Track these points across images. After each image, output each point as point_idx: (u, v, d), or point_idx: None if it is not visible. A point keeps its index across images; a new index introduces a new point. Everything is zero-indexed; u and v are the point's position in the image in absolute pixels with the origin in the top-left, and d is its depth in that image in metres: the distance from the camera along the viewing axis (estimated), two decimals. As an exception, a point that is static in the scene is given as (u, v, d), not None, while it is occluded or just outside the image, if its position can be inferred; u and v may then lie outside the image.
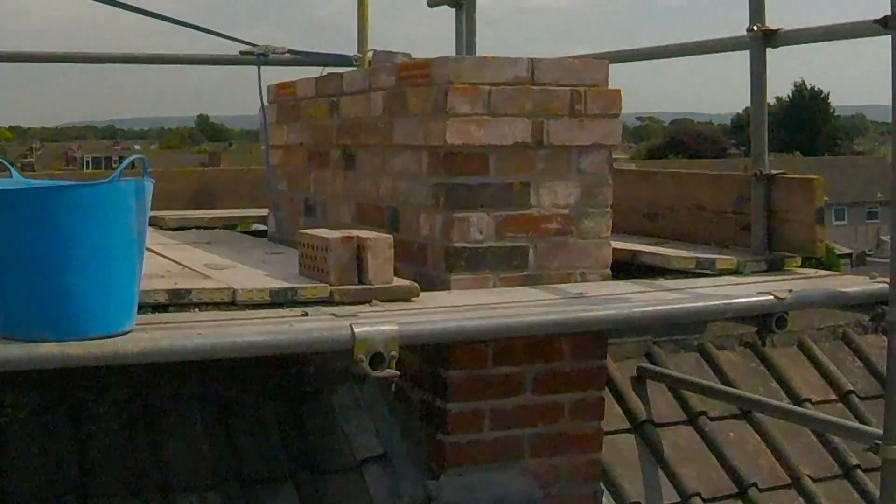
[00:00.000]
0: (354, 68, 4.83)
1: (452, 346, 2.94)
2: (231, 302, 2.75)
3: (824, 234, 3.41)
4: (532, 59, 3.08)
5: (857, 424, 3.65)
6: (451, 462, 3.02)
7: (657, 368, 3.94)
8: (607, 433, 3.39)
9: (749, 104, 3.62)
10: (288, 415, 3.20)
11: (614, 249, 3.24)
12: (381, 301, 2.81)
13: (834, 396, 4.09)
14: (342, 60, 5.08)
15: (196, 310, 2.70)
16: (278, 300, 2.78)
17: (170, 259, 3.38)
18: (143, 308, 2.54)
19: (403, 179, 3.24)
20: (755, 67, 3.54)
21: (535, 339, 3.02)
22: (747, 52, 3.55)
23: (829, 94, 78.16)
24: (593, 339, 3.16)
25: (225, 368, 3.16)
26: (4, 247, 2.23)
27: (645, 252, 3.52)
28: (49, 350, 2.22)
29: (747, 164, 3.66)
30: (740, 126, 64.12)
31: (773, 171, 3.53)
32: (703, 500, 3.57)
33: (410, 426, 3.16)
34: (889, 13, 2.88)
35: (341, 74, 3.69)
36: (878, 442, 2.96)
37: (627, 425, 3.74)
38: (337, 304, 2.77)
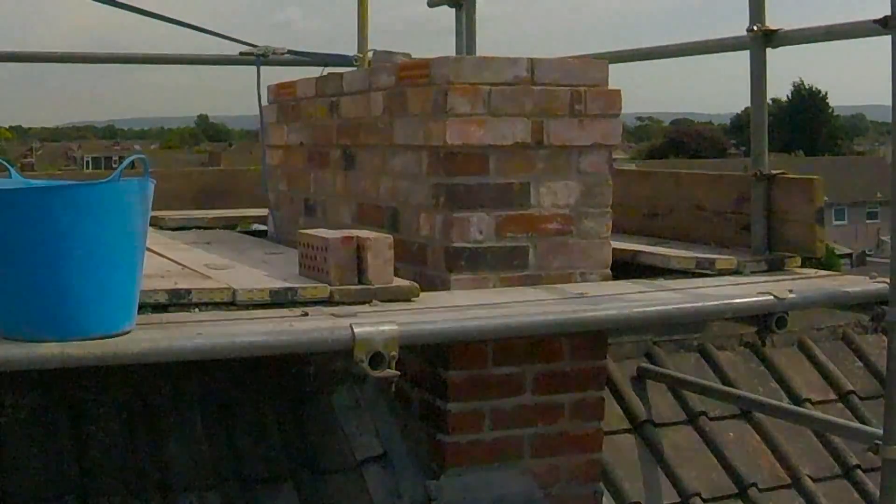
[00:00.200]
0: (354, 68, 4.83)
1: (452, 346, 2.94)
2: (231, 302, 2.75)
3: (824, 234, 3.41)
4: (532, 59, 3.08)
5: (857, 424, 3.65)
6: (451, 462, 3.02)
7: (657, 368, 3.94)
8: (607, 433, 3.39)
9: (749, 104, 3.62)
10: (288, 415, 3.20)
11: (614, 249, 3.24)
12: (381, 301, 2.81)
13: (834, 396, 4.09)
14: (342, 60, 5.09)
15: (196, 310, 2.70)
16: (278, 300, 2.78)
17: (170, 259, 3.38)
18: (143, 308, 2.54)
19: (403, 179, 3.24)
20: (755, 67, 3.54)
21: (535, 339, 3.02)
22: (747, 52, 3.55)
23: (828, 94, 78.23)
24: (593, 339, 3.16)
25: (225, 368, 3.16)
26: (4, 246, 2.23)
27: (645, 252, 3.52)
28: (49, 350, 2.22)
29: (747, 164, 3.66)
30: (740, 126, 64.14)
31: (773, 171, 3.53)
32: (703, 500, 3.57)
33: (410, 426, 3.16)
34: (889, 13, 2.88)
35: (341, 74, 3.69)
36: (878, 442, 2.96)
37: (627, 425, 3.74)
38: (337, 304, 2.77)
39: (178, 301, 2.70)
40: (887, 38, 2.87)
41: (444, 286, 3.02)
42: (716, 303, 2.97)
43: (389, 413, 3.20)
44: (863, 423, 3.82)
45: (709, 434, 3.77)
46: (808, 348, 4.26)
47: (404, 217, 3.24)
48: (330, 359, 3.10)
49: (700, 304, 2.96)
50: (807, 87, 76.87)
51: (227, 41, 4.80)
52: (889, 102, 2.87)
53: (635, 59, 4.28)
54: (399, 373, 2.49)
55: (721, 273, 3.33)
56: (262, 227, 4.56)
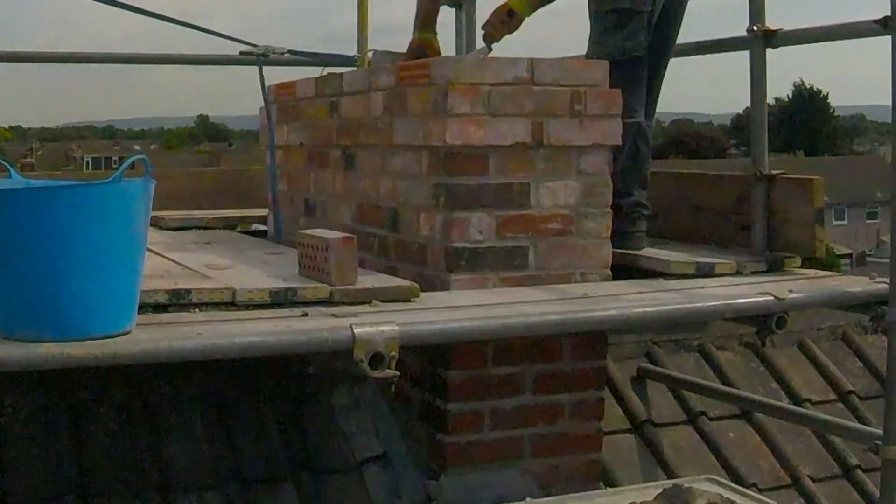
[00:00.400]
0: (354, 68, 4.83)
1: (452, 347, 2.94)
2: (231, 302, 2.75)
3: (824, 235, 3.41)
4: (532, 60, 3.08)
5: (857, 424, 3.65)
6: (451, 462, 3.02)
7: (657, 368, 3.94)
8: (607, 433, 3.39)
9: (749, 104, 3.62)
10: (288, 415, 3.20)
11: (614, 253, 3.24)
12: (381, 301, 2.81)
13: (834, 396, 4.10)
14: (342, 60, 5.09)
15: (196, 310, 2.70)
16: (278, 300, 2.78)
17: (170, 259, 3.38)
18: (143, 308, 2.54)
19: (403, 179, 3.24)
20: (755, 67, 3.54)
21: (535, 339, 3.02)
22: (747, 52, 3.55)
23: (828, 94, 78.20)
24: (593, 339, 3.16)
25: (225, 368, 3.17)
26: (4, 246, 2.23)
27: (644, 257, 3.52)
28: (49, 350, 2.22)
29: (747, 165, 3.66)
30: (740, 126, 64.12)
31: (773, 172, 3.53)
32: (703, 500, 3.57)
33: (410, 426, 3.16)
34: (889, 13, 2.88)
35: (341, 74, 3.69)
36: (878, 442, 2.96)
37: (627, 425, 3.74)
38: (337, 304, 2.77)
39: (178, 301, 2.70)
40: (887, 38, 2.87)
41: (444, 286, 3.02)
42: (716, 303, 2.97)
43: (389, 413, 3.21)
44: (863, 423, 3.82)
45: (709, 434, 3.77)
46: (808, 348, 4.27)
47: (404, 217, 3.24)
48: (330, 359, 3.10)
49: (700, 305, 2.97)
50: (807, 87, 76.88)
51: (225, 41, 4.79)
52: (889, 102, 2.87)
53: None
54: (399, 373, 2.49)
55: (721, 273, 3.33)
56: (262, 227, 4.55)
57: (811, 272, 3.42)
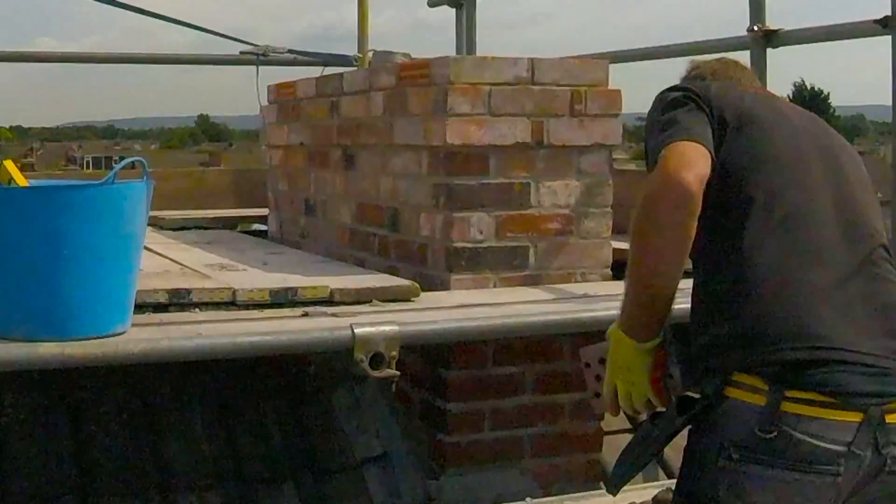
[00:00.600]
0: (354, 68, 4.83)
1: (452, 346, 2.94)
2: (231, 302, 2.75)
3: (824, 235, 3.40)
4: (532, 60, 3.08)
5: (857, 424, 3.64)
6: (451, 462, 3.02)
7: (657, 368, 3.93)
8: (607, 433, 3.39)
9: (749, 104, 3.61)
10: (288, 415, 3.20)
11: (614, 250, 3.24)
12: (381, 301, 2.81)
13: (834, 396, 4.09)
14: (342, 60, 5.09)
15: (196, 310, 2.70)
16: (278, 300, 2.78)
17: (170, 259, 3.38)
18: (143, 308, 2.54)
19: (403, 179, 3.24)
20: (756, 67, 3.55)
21: (535, 339, 3.02)
22: (747, 52, 3.55)
23: (829, 94, 78.18)
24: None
25: (225, 368, 3.16)
26: (-1, 246, 2.23)
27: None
28: (49, 350, 2.22)
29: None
30: (740, 126, 64.03)
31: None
32: (704, 500, 3.56)
33: (410, 426, 3.16)
34: (889, 13, 2.88)
35: (341, 74, 3.69)
36: (879, 442, 2.95)
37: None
38: (337, 304, 2.77)
39: (178, 301, 2.71)
40: (887, 38, 2.87)
41: (444, 286, 3.02)
42: (716, 303, 2.96)
43: (389, 413, 3.20)
44: (863, 423, 3.82)
45: (709, 434, 3.77)
46: (809, 348, 4.26)
47: (404, 217, 3.24)
48: (330, 359, 3.10)
49: (700, 304, 2.96)
50: (807, 87, 76.90)
51: (228, 41, 4.80)
52: (889, 102, 2.88)
53: (635, 59, 4.28)
54: (399, 373, 2.49)
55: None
56: (262, 227, 4.56)
57: (811, 272, 3.41)
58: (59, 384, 3.04)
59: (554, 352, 3.09)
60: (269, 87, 4.28)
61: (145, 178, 2.34)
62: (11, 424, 2.98)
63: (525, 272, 3.09)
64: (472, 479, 3.03)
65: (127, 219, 2.30)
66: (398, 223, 3.27)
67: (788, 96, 74.24)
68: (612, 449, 3.55)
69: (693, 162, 1.79)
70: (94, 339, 2.26)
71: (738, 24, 3.59)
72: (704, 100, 1.91)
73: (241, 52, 4.86)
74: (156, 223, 4.34)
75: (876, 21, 2.95)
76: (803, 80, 76.90)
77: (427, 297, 2.89)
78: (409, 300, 2.85)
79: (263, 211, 4.44)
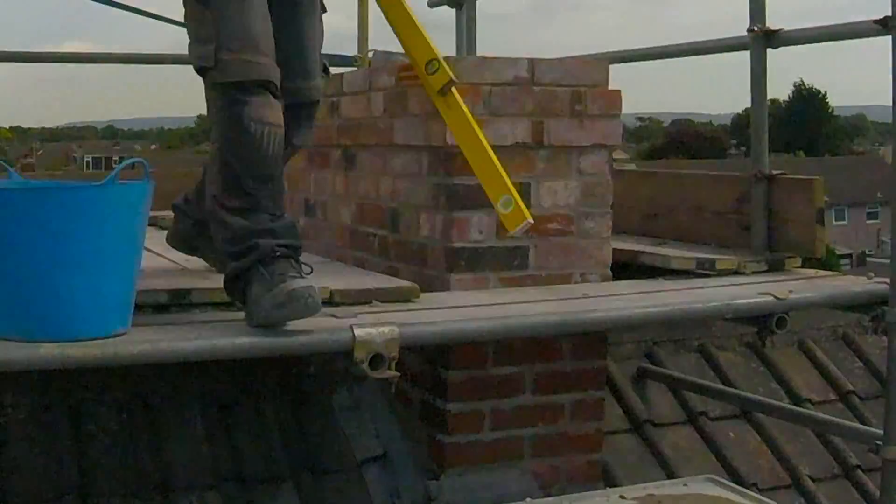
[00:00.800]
0: (354, 68, 4.83)
1: (452, 347, 2.94)
2: (231, 302, 2.75)
3: (824, 235, 3.41)
4: (532, 60, 3.08)
5: (857, 425, 3.65)
6: (451, 462, 3.02)
7: (657, 368, 3.93)
8: (607, 433, 3.39)
9: (749, 104, 3.62)
10: (288, 415, 3.20)
11: (614, 249, 3.24)
12: (381, 302, 2.81)
13: (834, 396, 4.09)
14: (342, 60, 5.09)
15: (196, 310, 2.69)
16: (278, 300, 2.77)
17: (170, 259, 3.37)
18: (143, 308, 2.53)
19: (403, 179, 3.24)
20: (755, 67, 3.54)
21: (535, 339, 3.02)
22: (747, 52, 3.55)
23: (828, 94, 78.20)
24: (593, 339, 3.16)
25: (225, 369, 3.16)
26: (-2, 246, 2.23)
27: (645, 252, 3.52)
28: (49, 351, 2.21)
29: (747, 165, 3.66)
30: (740, 126, 64.10)
31: (774, 172, 3.53)
32: (704, 500, 3.57)
33: (410, 426, 3.16)
34: (889, 13, 2.88)
35: (341, 74, 3.69)
36: (879, 442, 2.96)
37: (627, 425, 3.73)
38: (337, 304, 2.77)
39: (178, 301, 2.70)
40: (887, 38, 2.87)
41: (444, 286, 3.02)
42: (716, 303, 2.97)
43: (389, 413, 3.20)
44: (863, 423, 3.82)
45: (709, 434, 3.77)
46: (808, 348, 4.26)
47: (404, 217, 3.24)
48: (330, 359, 3.11)
49: (700, 304, 2.97)
50: (807, 87, 76.86)
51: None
52: (889, 102, 2.87)
53: (635, 60, 4.28)
54: (399, 374, 2.49)
55: (721, 273, 3.33)
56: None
57: (811, 272, 3.42)
58: (59, 384, 3.04)
59: (554, 352, 3.09)
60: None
61: (146, 178, 2.35)
62: (11, 424, 2.98)
63: (525, 272, 3.09)
64: (472, 479, 3.03)
65: (127, 219, 2.30)
66: (398, 223, 3.27)
67: (788, 96, 73.88)
68: (613, 449, 3.56)
69: None
70: (95, 339, 2.26)
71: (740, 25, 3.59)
72: None
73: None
74: (156, 223, 4.34)
75: (876, 21, 2.95)
76: (803, 80, 76.90)
77: (427, 298, 2.89)
78: (409, 301, 2.85)
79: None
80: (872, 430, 3.18)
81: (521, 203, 2.79)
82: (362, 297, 2.82)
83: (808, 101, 75.61)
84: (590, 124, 3.12)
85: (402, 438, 3.14)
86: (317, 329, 2.49)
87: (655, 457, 3.65)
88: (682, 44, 4.02)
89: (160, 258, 3.39)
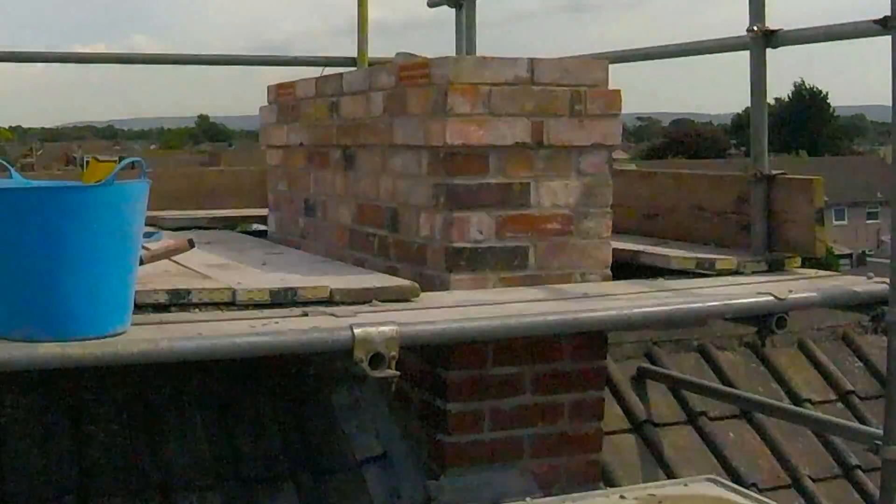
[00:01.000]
0: (354, 68, 4.83)
1: (452, 347, 2.94)
2: (231, 302, 2.75)
3: (824, 235, 3.41)
4: (532, 60, 3.08)
5: (857, 424, 3.65)
6: (451, 462, 3.02)
7: (657, 368, 3.94)
8: (607, 433, 3.39)
9: (749, 104, 3.62)
10: (288, 415, 3.21)
11: (614, 249, 3.24)
12: (381, 301, 2.81)
13: (834, 396, 4.10)
14: (342, 61, 5.09)
15: (196, 310, 2.70)
16: (278, 300, 2.78)
17: (170, 259, 3.38)
18: (143, 308, 2.54)
19: (403, 179, 3.24)
20: (755, 67, 3.54)
21: (535, 339, 3.02)
22: (747, 52, 3.55)
23: (828, 94, 78.20)
24: (593, 339, 3.16)
25: (225, 368, 3.17)
26: (-1, 246, 2.23)
27: (645, 252, 3.52)
28: (49, 350, 2.21)
29: (747, 165, 3.66)
30: (740, 126, 64.10)
31: (773, 172, 3.53)
32: (704, 500, 3.57)
33: (410, 426, 3.16)
34: (889, 13, 2.88)
35: (341, 74, 3.69)
36: (878, 442, 2.96)
37: (627, 425, 3.74)
38: (337, 304, 2.77)
39: (178, 301, 2.70)
40: (887, 38, 2.87)
41: (444, 286, 3.02)
42: (716, 303, 2.97)
43: (389, 413, 3.21)
44: (863, 423, 3.83)
45: (709, 434, 3.77)
46: (808, 348, 4.27)
47: (404, 217, 3.24)
48: (330, 359, 3.10)
49: (700, 304, 2.97)
50: (807, 87, 76.88)
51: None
52: (889, 102, 2.87)
53: (635, 59, 4.28)
54: (399, 373, 2.49)
55: (721, 273, 3.33)
56: (262, 227, 4.56)
57: (811, 272, 3.42)
58: (59, 384, 3.04)
59: (554, 352, 3.09)
60: (268, 87, 4.28)
61: (143, 177, 2.35)
62: (11, 424, 2.98)
63: (525, 272, 3.09)
64: (472, 479, 3.03)
65: (126, 219, 2.30)
66: (398, 223, 3.27)
67: (788, 96, 73.91)
68: (613, 449, 3.56)
69: None
70: (94, 339, 2.26)
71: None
72: None
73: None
74: (155, 223, 4.34)
75: (876, 21, 2.95)
76: (803, 80, 76.90)
77: (427, 297, 2.89)
78: (408, 300, 2.85)
79: (263, 211, 4.44)
80: (872, 430, 3.18)
81: None
82: (362, 297, 2.82)
83: (808, 101, 75.64)
84: (590, 124, 3.12)
85: (402, 438, 3.14)
86: (317, 329, 2.50)
87: (655, 457, 3.65)
88: (682, 44, 4.02)
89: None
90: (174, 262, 3.31)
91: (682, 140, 67.34)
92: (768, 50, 3.51)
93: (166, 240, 3.16)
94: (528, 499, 2.64)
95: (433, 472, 3.04)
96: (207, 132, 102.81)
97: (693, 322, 3.80)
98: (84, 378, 3.05)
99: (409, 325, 2.54)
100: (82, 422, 3.03)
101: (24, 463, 2.91)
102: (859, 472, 3.79)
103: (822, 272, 3.43)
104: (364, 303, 2.80)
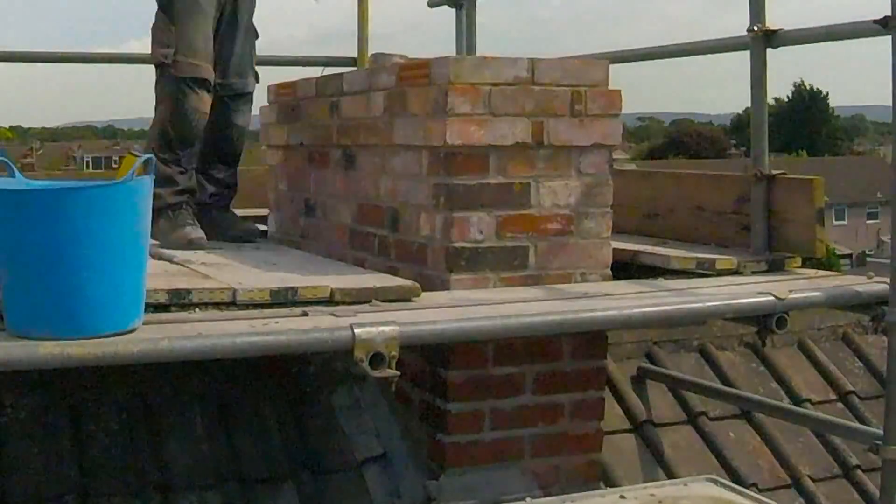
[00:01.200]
0: (354, 68, 4.83)
1: (452, 347, 2.94)
2: (231, 302, 2.75)
3: (824, 235, 3.41)
4: (532, 59, 3.08)
5: (857, 424, 3.65)
6: (451, 462, 3.02)
7: (657, 368, 3.94)
8: (607, 433, 3.39)
9: (749, 104, 3.62)
10: (288, 415, 3.20)
11: (614, 249, 3.24)
12: (381, 301, 2.81)
13: (834, 396, 4.10)
14: (342, 61, 5.09)
15: (196, 310, 2.70)
16: (278, 300, 2.78)
17: (170, 259, 3.38)
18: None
19: (403, 179, 3.24)
20: (755, 67, 3.54)
21: (535, 339, 3.02)
22: (747, 52, 3.55)
23: (828, 94, 78.20)
24: (593, 339, 3.16)
25: (225, 368, 3.17)
26: (20, 246, 2.25)
27: (645, 252, 3.52)
28: (49, 350, 2.22)
29: (747, 165, 3.66)
30: (740, 126, 64.10)
31: (774, 172, 3.53)
32: (703, 500, 3.57)
33: (410, 426, 3.16)
34: (889, 13, 2.88)
35: (341, 74, 3.69)
36: (878, 442, 2.96)
37: (627, 425, 3.74)
38: (337, 304, 2.77)
39: (178, 301, 2.71)
40: (887, 39, 2.87)
41: (444, 286, 3.02)
42: (716, 303, 2.97)
43: (389, 413, 3.21)
44: (863, 423, 3.83)
45: (709, 434, 3.77)
46: (808, 348, 4.27)
47: (404, 217, 3.24)
48: (330, 359, 3.11)
49: (700, 304, 2.96)
50: (807, 87, 76.87)
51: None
52: (889, 102, 2.87)
53: (635, 59, 4.28)
54: (399, 373, 2.49)
55: (721, 273, 3.33)
56: (263, 227, 4.56)
57: (811, 272, 3.42)
58: (59, 384, 3.04)
59: (554, 352, 3.09)
60: (268, 87, 4.28)
61: (151, 174, 2.38)
62: (11, 424, 2.98)
63: (525, 272, 3.09)
64: (472, 479, 3.03)
65: (139, 214, 2.34)
66: (398, 223, 3.27)
67: (788, 96, 73.86)
68: (613, 449, 3.56)
69: None
70: (115, 335, 2.28)
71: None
72: None
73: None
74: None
75: (876, 21, 2.95)
76: (803, 80, 76.90)
77: (427, 297, 2.89)
78: (409, 300, 2.85)
79: (263, 211, 4.44)
80: (872, 430, 3.18)
81: None
82: (362, 296, 2.82)
83: (808, 101, 75.64)
84: (590, 124, 3.12)
85: (402, 438, 3.14)
86: (317, 328, 2.50)
87: (655, 457, 3.66)
88: (682, 44, 4.02)
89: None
90: (174, 261, 3.31)
91: (682, 140, 67.34)
92: (768, 50, 3.51)
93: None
94: (528, 499, 2.64)
95: (433, 472, 3.04)
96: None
97: (693, 322, 3.81)
98: (84, 378, 3.05)
99: (409, 324, 2.54)
100: (82, 422, 3.03)
101: (25, 463, 2.91)
102: (859, 472, 3.79)
103: (822, 272, 3.43)
104: (364, 303, 2.80)
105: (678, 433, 3.77)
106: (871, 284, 3.18)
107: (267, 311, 2.70)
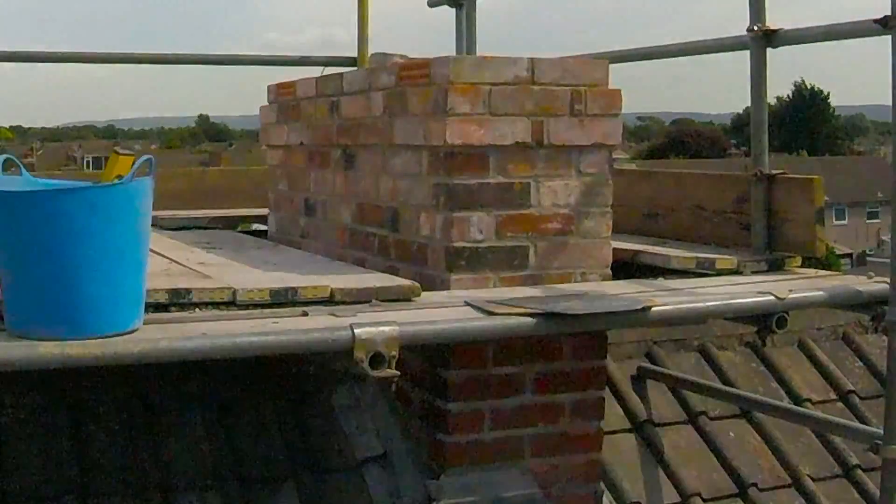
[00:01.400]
0: (354, 68, 4.83)
1: (452, 346, 2.94)
2: (231, 302, 2.75)
3: (824, 234, 3.41)
4: (532, 59, 3.08)
5: (857, 424, 3.65)
6: (452, 462, 3.02)
7: (657, 368, 3.94)
8: (607, 433, 3.39)
9: (749, 104, 3.62)
10: (288, 415, 3.20)
11: (614, 249, 3.24)
12: (381, 301, 2.81)
13: (834, 396, 4.10)
14: (342, 61, 5.09)
15: (196, 310, 2.70)
16: (278, 300, 2.78)
17: (170, 259, 3.38)
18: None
19: (403, 179, 3.24)
20: (755, 67, 3.54)
21: (535, 339, 3.02)
22: (747, 52, 3.55)
23: (829, 93, 78.19)
24: (593, 339, 3.16)
25: (225, 368, 3.16)
26: (21, 246, 2.25)
27: (645, 252, 3.52)
28: (49, 350, 2.22)
29: (747, 164, 3.66)
30: (740, 126, 64.09)
31: (774, 171, 3.53)
32: (704, 500, 3.57)
33: (410, 426, 3.16)
34: (889, 13, 2.88)
35: (341, 74, 3.69)
36: (878, 442, 2.96)
37: (627, 425, 3.74)
38: (337, 304, 2.77)
39: (178, 301, 2.71)
40: (887, 38, 2.87)
41: (445, 286, 3.02)
42: (716, 303, 2.97)
43: (389, 413, 3.20)
44: (863, 423, 3.83)
45: (709, 434, 3.77)
46: (808, 348, 4.27)
47: (404, 217, 3.24)
48: (330, 359, 3.10)
49: (700, 304, 2.96)
50: (807, 87, 76.87)
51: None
52: (889, 102, 2.87)
53: (635, 59, 4.28)
54: (399, 373, 2.49)
55: (721, 273, 3.33)
56: (262, 227, 4.56)
57: (811, 272, 3.42)
58: (59, 384, 3.04)
59: (554, 352, 3.09)
60: (268, 87, 4.28)
61: (151, 175, 2.38)
62: (11, 424, 2.98)
63: (525, 272, 3.09)
64: (472, 478, 3.03)
65: (140, 215, 2.34)
66: (398, 223, 3.27)
67: (788, 96, 73.96)
68: (613, 449, 3.56)
69: None
70: (116, 335, 2.29)
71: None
72: None
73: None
74: (156, 223, 4.33)
75: (876, 21, 2.95)
76: (803, 80, 76.90)
77: (427, 297, 2.89)
78: (409, 300, 2.85)
79: (263, 211, 4.44)
80: (872, 429, 3.18)
81: None
82: (363, 296, 2.82)
83: (808, 100, 75.64)
84: (590, 124, 3.12)
85: (402, 438, 3.14)
86: (317, 328, 2.50)
87: (655, 457, 3.66)
88: (682, 44, 4.02)
89: (160, 258, 3.40)
90: (174, 261, 3.31)
91: (683, 140, 67.35)
92: (768, 50, 3.51)
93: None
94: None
95: (433, 472, 3.04)
96: (207, 132, 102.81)
97: (693, 322, 3.81)
98: (84, 378, 3.05)
99: (409, 324, 2.54)
100: (82, 422, 3.03)
101: (25, 462, 2.91)
102: (859, 472, 3.79)
103: (822, 272, 3.44)
104: (364, 302, 2.80)
105: (678, 433, 3.77)
106: (871, 284, 3.18)
107: (267, 311, 2.70)
